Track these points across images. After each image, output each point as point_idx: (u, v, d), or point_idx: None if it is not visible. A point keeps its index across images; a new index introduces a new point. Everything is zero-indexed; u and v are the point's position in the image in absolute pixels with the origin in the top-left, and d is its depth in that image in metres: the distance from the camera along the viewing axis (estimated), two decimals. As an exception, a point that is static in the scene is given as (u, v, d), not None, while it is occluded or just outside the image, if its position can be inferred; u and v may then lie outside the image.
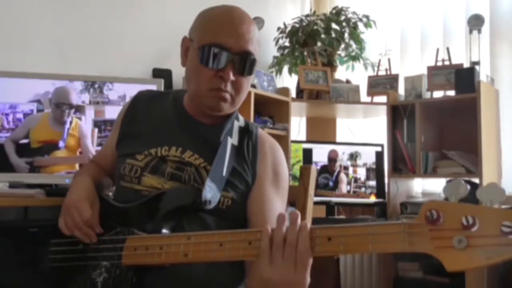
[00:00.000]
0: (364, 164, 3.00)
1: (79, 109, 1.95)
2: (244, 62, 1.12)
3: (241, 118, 1.27)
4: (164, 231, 1.04)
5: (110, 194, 1.29)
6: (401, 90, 3.07)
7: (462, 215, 0.71)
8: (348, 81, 3.32)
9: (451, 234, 0.72)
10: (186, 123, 1.21)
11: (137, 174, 1.16)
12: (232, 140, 1.19)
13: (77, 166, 1.94)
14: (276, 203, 1.17)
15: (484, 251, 0.69)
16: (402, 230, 0.76)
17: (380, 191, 2.97)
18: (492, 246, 0.69)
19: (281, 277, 0.82)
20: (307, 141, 3.19)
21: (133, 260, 1.00)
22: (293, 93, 3.14)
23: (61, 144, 1.92)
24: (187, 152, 1.17)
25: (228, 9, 1.16)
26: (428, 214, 0.74)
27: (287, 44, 3.38)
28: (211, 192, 1.08)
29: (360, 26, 3.34)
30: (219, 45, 1.10)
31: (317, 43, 3.29)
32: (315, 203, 1.45)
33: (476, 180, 2.61)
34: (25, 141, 1.90)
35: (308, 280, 0.83)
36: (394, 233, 0.76)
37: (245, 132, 1.23)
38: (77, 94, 1.95)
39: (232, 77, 1.10)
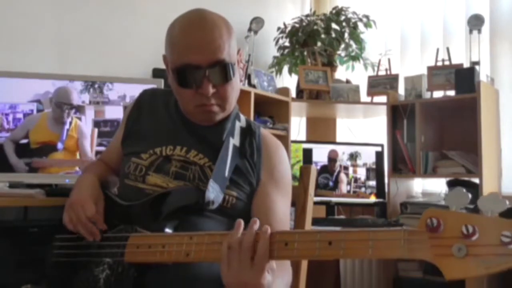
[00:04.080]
0: (364, 164, 3.00)
1: (79, 109, 1.95)
2: (220, 71, 1.09)
3: (242, 118, 1.27)
4: (167, 230, 1.04)
5: (115, 190, 1.30)
6: (401, 90, 3.07)
7: (462, 223, 0.72)
8: (348, 81, 3.32)
9: (451, 242, 0.72)
10: (189, 124, 1.21)
11: (142, 173, 1.17)
12: (234, 141, 1.19)
13: (76, 167, 1.94)
14: (280, 205, 1.17)
15: (483, 260, 0.69)
16: (402, 237, 0.76)
17: (380, 191, 2.97)
18: (491, 255, 0.69)
19: (237, 279, 0.85)
20: (307, 141, 3.19)
21: (136, 258, 1.01)
22: (293, 93, 3.14)
23: (59, 145, 1.92)
24: (192, 151, 1.17)
25: (188, 21, 1.11)
26: (429, 222, 0.74)
27: (287, 44, 3.37)
28: (214, 193, 1.09)
29: (360, 26, 3.33)
30: (188, 65, 1.08)
31: (317, 43, 3.28)
32: (315, 203, 1.45)
33: (476, 180, 2.61)
34: (25, 141, 1.90)
35: (266, 280, 0.86)
36: (393, 240, 0.77)
37: (247, 133, 1.23)
38: (78, 94, 1.95)
39: (211, 89, 1.09)
